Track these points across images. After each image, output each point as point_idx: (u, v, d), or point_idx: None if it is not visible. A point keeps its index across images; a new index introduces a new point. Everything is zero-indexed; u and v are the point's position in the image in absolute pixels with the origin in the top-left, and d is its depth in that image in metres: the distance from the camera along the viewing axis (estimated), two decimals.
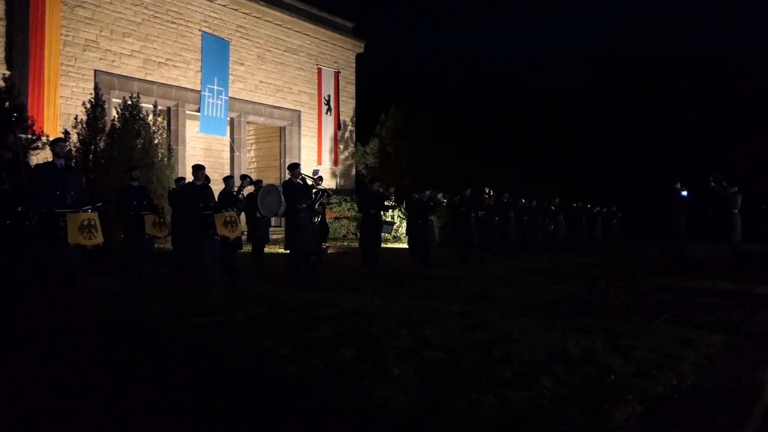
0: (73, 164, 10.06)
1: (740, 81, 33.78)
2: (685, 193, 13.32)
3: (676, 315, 6.52)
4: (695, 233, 15.54)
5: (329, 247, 15.60)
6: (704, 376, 4.06)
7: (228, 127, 20.15)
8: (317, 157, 23.31)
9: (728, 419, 3.30)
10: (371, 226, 11.04)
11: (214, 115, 18.96)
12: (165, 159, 13.51)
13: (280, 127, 22.79)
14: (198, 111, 18.74)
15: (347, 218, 21.33)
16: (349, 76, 25.28)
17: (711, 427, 3.18)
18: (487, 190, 15.70)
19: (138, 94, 13.92)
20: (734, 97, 32.16)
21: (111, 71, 16.61)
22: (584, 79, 39.98)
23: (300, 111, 22.77)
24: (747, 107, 31.20)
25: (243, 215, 11.26)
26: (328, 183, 21.50)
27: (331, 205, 19.29)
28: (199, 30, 18.87)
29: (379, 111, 25.60)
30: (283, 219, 10.73)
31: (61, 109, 15.14)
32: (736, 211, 12.80)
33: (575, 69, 43.99)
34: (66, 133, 11.98)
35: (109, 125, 12.91)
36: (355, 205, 19.74)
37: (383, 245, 12.43)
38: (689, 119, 33.04)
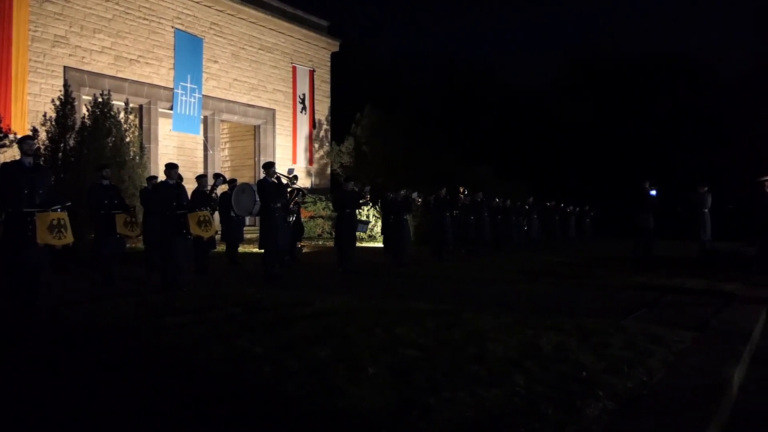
0: (41, 163, 9.85)
1: (711, 82, 34.45)
2: (653, 192, 13.55)
3: (647, 312, 6.64)
4: (665, 232, 15.80)
5: (304, 246, 15.54)
6: (673, 372, 4.14)
7: (201, 126, 19.95)
8: (292, 156, 23.20)
9: (696, 414, 3.37)
10: (346, 225, 11.04)
11: (187, 113, 18.74)
12: (137, 157, 13.32)
13: (255, 126, 22.62)
14: (171, 109, 18.52)
15: (322, 217, 21.27)
16: (324, 75, 25.19)
17: (679, 422, 3.24)
18: (461, 190, 15.79)
19: (109, 91, 13.68)
20: (705, 98, 32.77)
21: (81, 68, 16.33)
22: (558, 79, 40.41)
23: (275, 110, 22.63)
24: (717, 108, 31.80)
25: (217, 214, 11.17)
26: (303, 182, 21.40)
27: (306, 204, 19.23)
28: (172, 27, 18.63)
29: (355, 110, 25.57)
30: (257, 218, 10.66)
31: (29, 106, 14.84)
32: (706, 210, 13.08)
33: (549, 69, 44.51)
34: (34, 130, 11.74)
35: (79, 123, 12.68)
36: (330, 204, 19.70)
37: (358, 244, 12.42)
38: (661, 120, 33.61)
